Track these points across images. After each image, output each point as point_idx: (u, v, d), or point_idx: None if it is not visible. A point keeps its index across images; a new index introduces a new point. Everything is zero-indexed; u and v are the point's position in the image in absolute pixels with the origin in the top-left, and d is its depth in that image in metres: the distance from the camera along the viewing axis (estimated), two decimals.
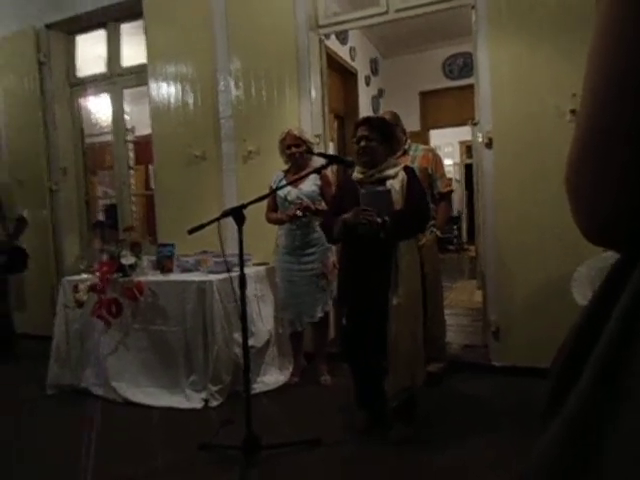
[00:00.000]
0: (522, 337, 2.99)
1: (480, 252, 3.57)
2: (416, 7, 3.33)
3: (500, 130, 3.01)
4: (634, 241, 0.33)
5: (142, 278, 3.07)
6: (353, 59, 5.42)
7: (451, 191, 3.08)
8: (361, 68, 5.72)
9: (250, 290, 2.97)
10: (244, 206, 2.09)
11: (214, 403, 2.83)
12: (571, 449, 0.31)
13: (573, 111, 2.79)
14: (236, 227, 2.10)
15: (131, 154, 5.09)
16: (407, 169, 2.34)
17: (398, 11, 3.35)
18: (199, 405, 2.83)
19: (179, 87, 3.87)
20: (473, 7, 3.11)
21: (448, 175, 3.26)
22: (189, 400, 2.86)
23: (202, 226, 2.06)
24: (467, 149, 9.60)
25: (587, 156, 0.34)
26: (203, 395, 2.86)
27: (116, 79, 4.38)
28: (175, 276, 3.15)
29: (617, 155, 0.32)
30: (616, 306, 0.32)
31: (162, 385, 2.97)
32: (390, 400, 2.28)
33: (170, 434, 2.54)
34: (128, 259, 3.08)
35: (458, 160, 9.94)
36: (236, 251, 2.18)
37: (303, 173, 2.73)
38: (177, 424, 2.66)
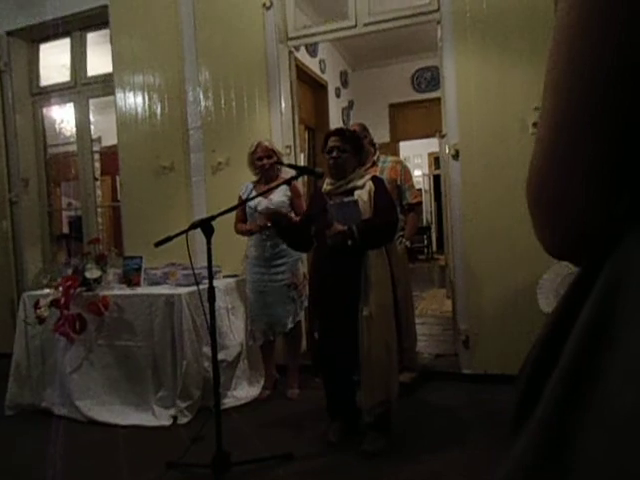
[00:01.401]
0: (492, 345, 3.04)
1: (449, 262, 3.63)
2: (383, 22, 3.39)
3: (466, 142, 3.08)
4: (595, 253, 0.34)
5: (107, 292, 2.98)
6: (323, 71, 5.47)
7: (420, 202, 3.13)
8: (331, 80, 5.78)
9: (220, 303, 2.92)
10: (213, 218, 2.06)
11: (183, 420, 2.75)
12: (543, 455, 0.31)
13: (535, 124, 2.88)
14: (205, 239, 2.06)
15: (97, 164, 4.97)
16: (375, 179, 2.36)
17: (366, 25, 3.40)
18: (167, 422, 2.75)
19: (146, 97, 3.81)
20: (439, 22, 3.19)
21: (417, 186, 3.31)
22: (157, 417, 2.78)
23: (170, 238, 2.02)
24: (435, 160, 9.80)
25: (549, 162, 0.34)
26: (172, 412, 2.78)
27: (81, 88, 4.28)
28: (142, 289, 3.07)
29: (582, 156, 0.32)
30: (579, 316, 0.32)
31: (129, 402, 2.88)
32: (366, 415, 2.27)
33: (137, 454, 2.45)
34: (93, 273, 2.99)
35: (427, 171, 10.13)
36: (205, 263, 2.14)
37: (274, 184, 2.72)
38: (144, 443, 2.57)
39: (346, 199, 2.22)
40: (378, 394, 2.22)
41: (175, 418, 2.76)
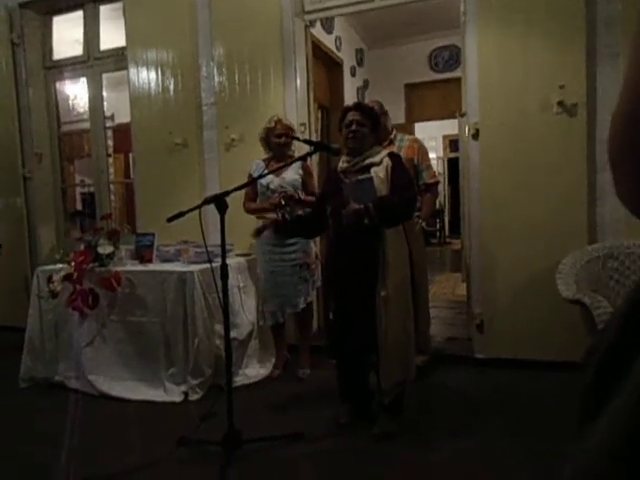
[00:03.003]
0: (506, 329, 2.99)
1: (465, 244, 3.56)
2: None
3: (487, 122, 2.99)
4: None
5: (120, 268, 2.97)
6: (339, 49, 5.35)
7: (437, 182, 3.05)
8: (346, 58, 5.65)
9: (232, 281, 2.90)
10: (227, 193, 2.02)
11: (194, 397, 2.76)
12: (626, 447, 0.27)
13: (560, 103, 2.78)
14: (217, 216, 2.03)
15: (110, 142, 4.95)
16: (392, 155, 2.29)
17: None
18: (178, 398, 2.76)
19: (160, 73, 3.75)
20: None
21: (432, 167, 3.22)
22: (168, 393, 2.79)
23: (182, 214, 1.98)
24: (450, 143, 9.64)
25: (633, 116, 0.29)
26: (183, 388, 2.79)
27: (94, 62, 4.23)
28: (155, 266, 3.06)
29: None
30: None
31: (140, 378, 2.89)
32: (384, 396, 2.24)
33: (148, 429, 2.46)
34: (105, 248, 2.98)
35: (441, 154, 9.97)
36: (217, 241, 2.11)
37: (289, 161, 2.66)
38: (156, 418, 2.58)
39: (361, 177, 2.16)
40: (395, 375, 2.19)
41: (186, 394, 2.77)
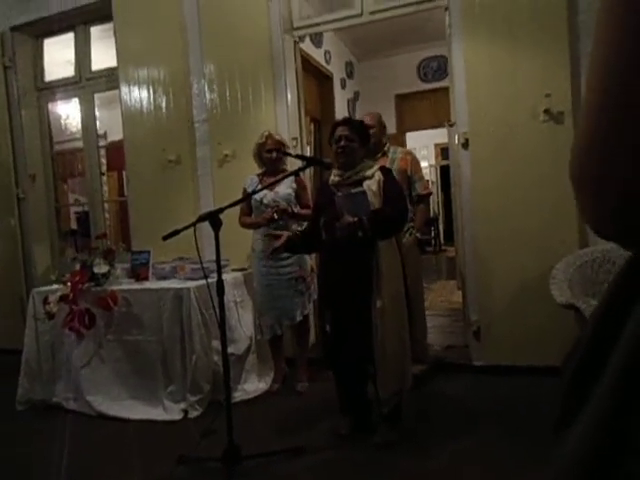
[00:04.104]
0: (503, 336, 3.00)
1: (459, 252, 3.59)
2: (390, 9, 3.33)
3: (476, 131, 3.03)
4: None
5: (116, 287, 2.97)
6: (328, 62, 5.41)
7: (430, 193, 3.09)
8: (336, 71, 5.72)
9: (229, 296, 2.91)
10: (221, 210, 2.04)
11: (194, 414, 2.75)
12: (600, 453, 0.28)
13: (547, 111, 2.83)
14: (212, 232, 2.04)
15: (103, 160, 4.97)
16: (383, 169, 2.33)
17: (372, 13, 3.35)
18: (178, 416, 2.74)
19: (151, 91, 3.78)
20: (446, 9, 3.13)
21: (425, 178, 3.26)
22: (167, 411, 2.78)
23: (177, 232, 2.00)
24: (442, 151, 9.71)
25: (594, 139, 0.31)
26: (182, 406, 2.78)
27: (86, 83, 4.26)
28: (151, 284, 3.07)
29: (629, 134, 0.29)
30: (635, 305, 0.29)
31: (139, 397, 2.88)
32: (382, 406, 2.25)
33: (148, 448, 2.45)
34: (101, 268, 2.98)
35: (433, 162, 10.04)
36: (213, 257, 2.12)
37: (281, 176, 2.69)
38: (155, 437, 2.57)
39: (354, 190, 2.18)
40: (392, 385, 2.20)
41: (186, 412, 2.75)
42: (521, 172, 2.93)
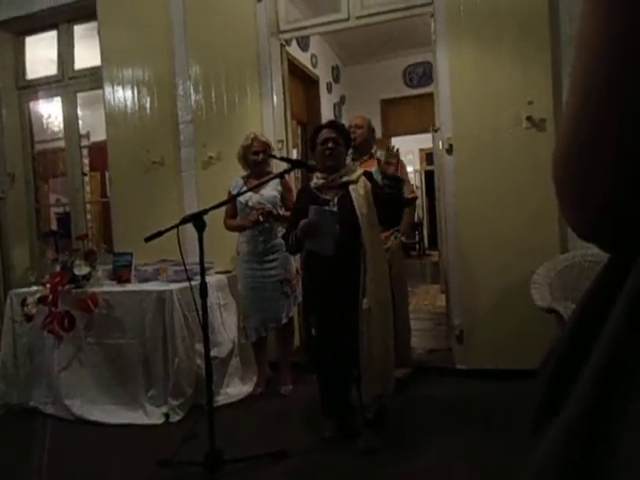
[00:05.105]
0: (485, 340, 3.03)
1: (443, 257, 3.62)
2: (376, 14, 3.36)
3: (460, 136, 3.06)
4: (626, 241, 0.31)
5: (97, 289, 2.92)
6: (314, 66, 5.43)
7: (415, 197, 3.10)
8: (323, 75, 5.74)
9: (212, 299, 2.89)
10: (205, 212, 2.02)
11: (175, 418, 2.72)
12: (574, 454, 0.29)
13: (529, 118, 2.88)
14: (196, 234, 2.02)
15: (85, 160, 4.89)
16: (367, 174, 2.33)
17: (359, 18, 3.37)
18: (159, 420, 2.71)
19: (136, 91, 3.75)
20: (432, 16, 3.16)
21: (410, 182, 3.29)
22: (148, 416, 2.74)
23: (160, 233, 1.98)
24: (427, 156, 9.79)
25: (571, 152, 0.32)
26: (163, 410, 2.74)
27: (68, 82, 4.20)
28: (133, 286, 3.03)
29: (611, 143, 0.29)
30: (612, 310, 0.29)
31: (119, 401, 2.83)
32: (366, 410, 2.25)
33: (128, 453, 2.41)
34: (81, 269, 2.93)
35: (418, 167, 10.12)
36: (197, 259, 2.10)
37: (266, 178, 2.68)
38: (136, 442, 2.53)
39: (328, 208, 2.16)
40: (376, 388, 2.20)
41: (167, 416, 2.72)
42: (504, 177, 2.97)
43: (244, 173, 3.06)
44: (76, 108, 4.25)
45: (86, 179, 4.82)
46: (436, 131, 3.30)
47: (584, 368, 0.30)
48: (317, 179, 2.32)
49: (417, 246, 9.39)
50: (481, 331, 3.05)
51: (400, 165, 3.03)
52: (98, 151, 4.94)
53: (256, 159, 2.93)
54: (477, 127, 3.01)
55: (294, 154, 4.24)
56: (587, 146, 0.31)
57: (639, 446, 0.25)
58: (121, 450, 2.44)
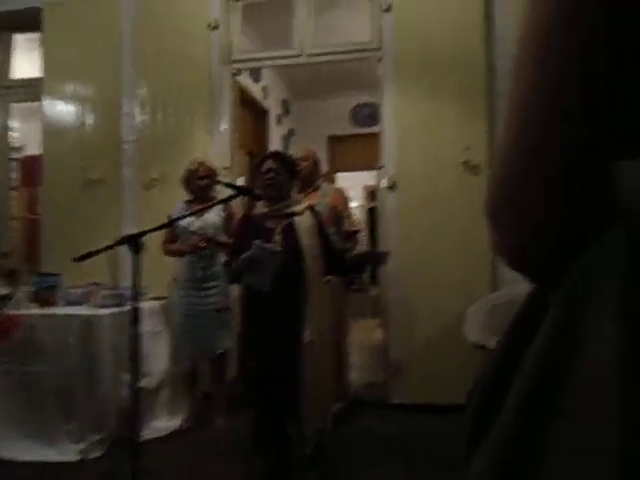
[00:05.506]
0: (422, 375, 3.08)
1: (382, 292, 3.68)
2: (327, 54, 3.48)
3: (403, 175, 3.19)
4: (548, 272, 0.32)
5: (15, 311, 2.70)
6: (265, 97, 5.50)
7: (358, 230, 3.16)
8: (273, 107, 5.82)
9: (145, 326, 2.74)
10: (143, 234, 1.94)
11: (95, 454, 2.51)
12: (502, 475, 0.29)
13: (465, 163, 3.05)
14: (131, 257, 1.93)
15: (14, 175, 4.60)
16: (313, 210, 2.35)
17: (310, 55, 3.48)
18: (75, 458, 2.49)
19: (78, 106, 3.62)
20: (379, 60, 3.32)
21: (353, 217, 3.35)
22: (62, 453, 2.51)
23: (93, 253, 1.87)
24: (370, 194, 10.07)
25: (512, 173, 0.33)
26: (81, 446, 2.53)
27: (4, 91, 3.99)
28: (57, 309, 2.82)
29: (545, 173, 0.31)
30: (534, 340, 0.30)
31: (31, 436, 2.58)
32: (305, 445, 2.19)
33: None
34: (0, 289, 2.71)
35: (363, 203, 10.37)
36: (129, 284, 2.00)
37: (210, 203, 2.63)
38: None
39: (271, 247, 2.14)
40: (316, 422, 2.16)
41: (85, 452, 2.51)
42: (442, 218, 3.10)
43: (186, 197, 2.99)
44: (7, 119, 4.02)
45: (14, 194, 4.52)
46: (380, 169, 3.42)
47: (508, 396, 0.31)
48: (261, 207, 2.32)
49: (357, 281, 9.50)
50: (418, 366, 3.10)
51: (345, 200, 3.11)
52: (30, 165, 4.66)
53: (201, 184, 2.89)
54: (419, 167, 3.15)
55: (241, 182, 4.21)
56: (522, 174, 0.32)
57: (564, 463, 0.26)
58: None
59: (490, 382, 0.35)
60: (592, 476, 0.24)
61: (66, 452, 2.51)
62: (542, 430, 0.28)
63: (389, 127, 3.25)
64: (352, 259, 2.26)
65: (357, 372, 3.82)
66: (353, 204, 9.84)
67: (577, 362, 0.27)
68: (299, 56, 3.50)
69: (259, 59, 3.66)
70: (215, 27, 3.44)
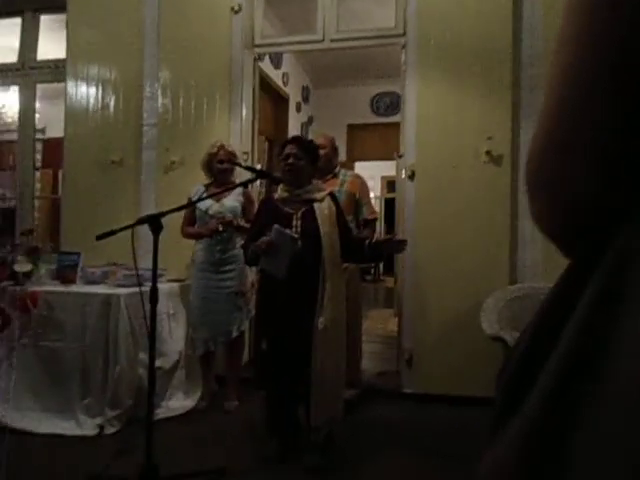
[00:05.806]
0: (434, 365, 3.07)
1: (398, 282, 3.67)
2: (350, 39, 3.45)
3: (422, 165, 3.15)
4: (590, 243, 0.32)
5: (37, 288, 2.76)
6: (285, 84, 5.48)
7: (376, 218, 3.14)
8: (293, 94, 5.80)
9: (162, 307, 2.78)
10: (163, 214, 1.96)
11: (111, 430, 2.57)
12: (535, 449, 0.29)
13: (488, 153, 3.00)
14: (151, 239, 1.95)
15: (38, 155, 4.68)
16: (333, 197, 2.35)
17: (333, 41, 3.44)
18: (93, 432, 2.55)
19: (100, 88, 3.65)
20: (403, 47, 3.27)
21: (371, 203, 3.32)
22: (81, 426, 2.58)
23: (113, 232, 1.90)
24: (388, 184, 10.03)
25: (549, 139, 0.32)
26: (98, 421, 2.58)
27: (29, 71, 4.04)
28: (77, 287, 2.88)
29: (586, 143, 0.30)
30: (573, 313, 0.30)
31: (50, 409, 2.65)
32: (315, 434, 2.21)
33: (56, 465, 2.25)
34: (23, 266, 2.77)
35: (379, 194, 10.33)
36: (148, 265, 2.02)
37: (229, 186, 2.65)
38: (65, 453, 2.36)
39: (290, 233, 2.15)
40: (327, 410, 2.17)
41: (102, 428, 2.57)
42: (462, 208, 3.06)
43: (205, 181, 3.01)
44: (34, 100, 4.08)
45: (37, 175, 4.60)
46: (400, 157, 3.39)
47: (546, 364, 0.30)
48: (281, 191, 2.32)
49: (372, 271, 9.51)
50: (430, 356, 3.09)
51: (363, 185, 3.08)
52: (53, 147, 4.75)
53: (221, 168, 2.90)
54: (439, 157, 3.11)
55: (259, 168, 4.22)
56: (563, 144, 0.31)
57: (604, 424, 0.26)
58: (48, 462, 2.27)
59: (522, 359, 0.34)
60: (630, 435, 0.24)
61: (84, 426, 2.57)
62: (582, 394, 0.28)
63: (410, 115, 3.21)
64: (370, 247, 2.24)
65: (370, 361, 3.83)
66: (370, 194, 9.81)
67: (617, 334, 0.27)
68: (322, 41, 3.47)
69: (281, 44, 3.65)
70: (238, 11, 3.42)
